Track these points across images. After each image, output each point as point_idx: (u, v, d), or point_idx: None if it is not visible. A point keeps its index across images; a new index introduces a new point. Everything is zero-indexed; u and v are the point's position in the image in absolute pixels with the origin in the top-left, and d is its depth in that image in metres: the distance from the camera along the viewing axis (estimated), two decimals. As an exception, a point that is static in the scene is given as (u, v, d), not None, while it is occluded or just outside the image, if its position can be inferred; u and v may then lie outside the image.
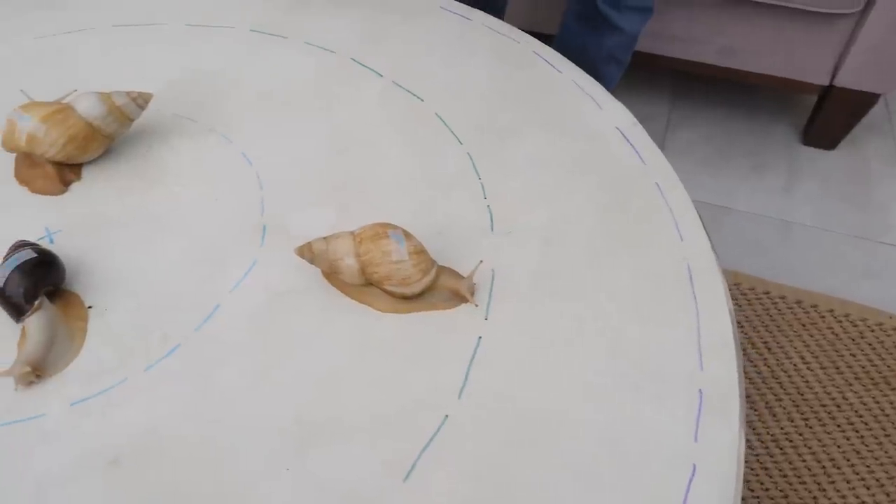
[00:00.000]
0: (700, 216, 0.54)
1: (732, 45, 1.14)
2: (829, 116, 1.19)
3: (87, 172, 0.58)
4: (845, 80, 1.12)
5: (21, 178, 0.57)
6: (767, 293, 0.96)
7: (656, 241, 0.52)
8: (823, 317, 0.93)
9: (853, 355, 0.88)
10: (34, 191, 0.57)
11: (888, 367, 0.86)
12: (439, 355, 0.44)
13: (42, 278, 0.46)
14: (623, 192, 0.56)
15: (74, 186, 0.57)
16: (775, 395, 0.84)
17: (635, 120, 0.64)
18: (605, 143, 0.61)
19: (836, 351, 0.88)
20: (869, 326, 0.91)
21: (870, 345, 0.89)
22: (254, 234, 0.52)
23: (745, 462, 0.79)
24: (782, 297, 0.95)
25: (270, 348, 0.44)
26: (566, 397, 0.42)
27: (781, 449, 0.79)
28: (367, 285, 0.46)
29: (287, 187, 0.56)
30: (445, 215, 0.53)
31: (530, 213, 0.54)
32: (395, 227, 0.46)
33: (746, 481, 0.76)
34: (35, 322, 0.44)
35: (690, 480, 0.39)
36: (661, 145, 1.27)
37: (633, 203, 0.55)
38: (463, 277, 0.47)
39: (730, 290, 0.95)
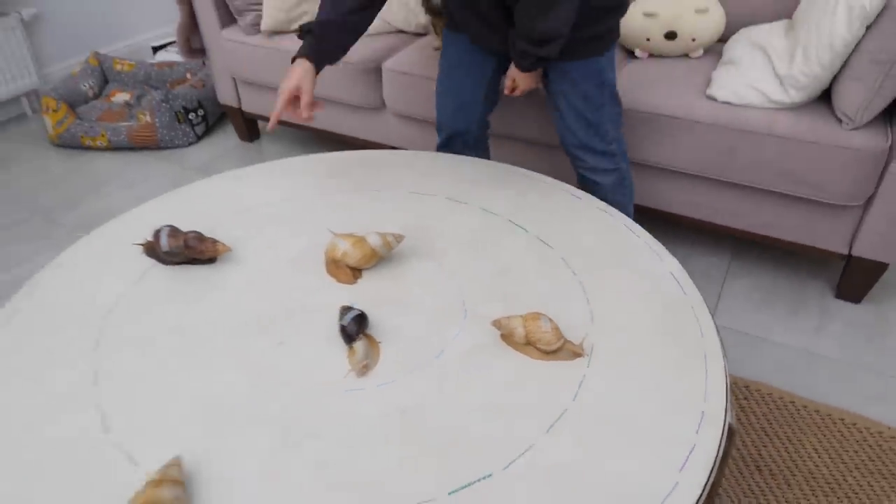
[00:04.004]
0: (718, 330, 0.93)
1: (772, 221, 1.54)
2: (852, 277, 1.54)
3: (366, 273, 1.05)
4: (860, 251, 1.48)
5: (331, 273, 1.05)
6: (792, 402, 1.28)
7: (686, 339, 0.91)
8: (835, 423, 1.23)
9: (856, 451, 1.18)
10: (339, 281, 1.04)
11: (882, 461, 1.16)
12: (562, 381, 0.84)
13: (361, 324, 0.91)
14: (669, 311, 0.96)
15: (360, 281, 1.03)
16: (790, 472, 1.15)
17: (682, 269, 1.05)
18: (662, 282, 1.02)
19: (842, 446, 1.19)
20: (871, 434, 1.21)
21: (870, 446, 1.19)
22: (460, 313, 0.96)
23: (764, 515, 1.09)
24: (804, 407, 1.27)
25: (470, 372, 0.86)
26: (624, 411, 0.81)
27: (793, 511, 1.09)
28: (526, 344, 0.88)
29: (473, 291, 1.00)
30: (569, 314, 0.95)
31: (613, 318, 0.95)
32: (543, 314, 0.89)
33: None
34: (360, 345, 0.88)
35: (691, 451, 0.76)
36: (721, 288, 1.64)
37: (675, 318, 0.95)
38: (577, 344, 0.88)
39: (762, 398, 1.28)
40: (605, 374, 0.85)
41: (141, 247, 1.11)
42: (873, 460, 1.17)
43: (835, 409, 1.27)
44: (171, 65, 2.64)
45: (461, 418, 0.80)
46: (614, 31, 1.34)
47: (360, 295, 1.00)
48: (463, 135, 1.54)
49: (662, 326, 0.94)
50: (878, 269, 1.50)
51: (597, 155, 1.43)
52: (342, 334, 0.91)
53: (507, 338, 0.90)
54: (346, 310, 0.93)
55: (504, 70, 1.46)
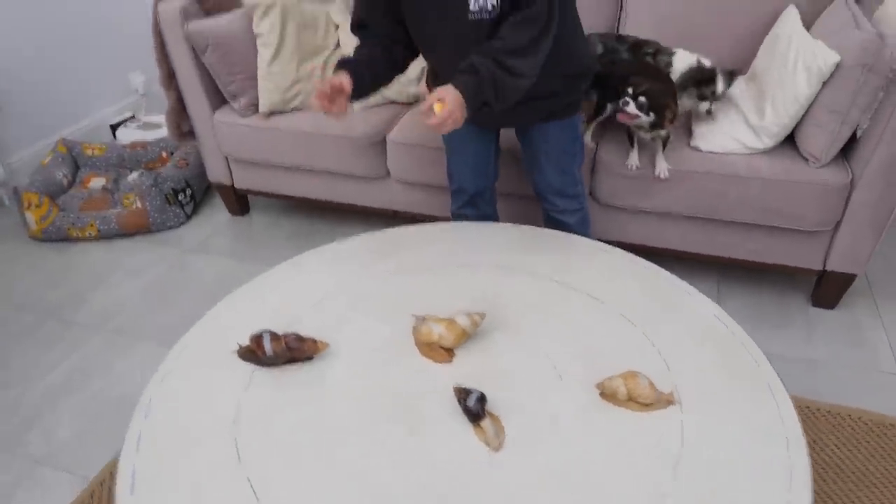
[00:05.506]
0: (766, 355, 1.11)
1: (757, 248, 1.77)
2: (826, 288, 1.80)
3: (458, 351, 1.16)
4: (832, 266, 1.73)
5: (426, 354, 1.16)
6: (807, 407, 1.49)
7: (747, 372, 1.09)
8: (845, 420, 1.45)
9: (867, 441, 1.40)
10: (434, 360, 1.15)
11: (892, 447, 1.40)
12: (667, 428, 0.99)
13: (482, 402, 1.02)
14: (724, 350, 1.13)
15: (454, 359, 1.15)
16: (823, 468, 1.36)
17: (722, 310, 1.23)
18: (709, 324, 1.19)
19: (857, 438, 1.41)
20: (877, 425, 1.44)
21: (878, 435, 1.42)
22: (554, 378, 1.09)
23: None
24: (818, 409, 1.49)
25: (587, 431, 1.00)
26: (725, 448, 0.97)
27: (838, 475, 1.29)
28: (628, 400, 1.03)
29: (556, 355, 1.14)
30: (647, 365, 1.10)
31: (684, 363, 1.11)
32: (640, 372, 1.04)
33: None
34: (487, 423, 1.00)
35: (791, 473, 0.92)
36: (715, 309, 1.86)
37: (731, 355, 1.12)
38: (668, 393, 1.03)
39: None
40: (697, 417, 1.01)
41: (236, 353, 1.18)
42: (883, 447, 1.39)
43: (842, 407, 1.50)
44: (143, 145, 2.65)
45: (597, 473, 0.93)
46: (583, 94, 1.59)
47: (460, 372, 1.12)
48: (483, 192, 1.71)
49: (725, 364, 1.11)
50: (848, 279, 1.76)
51: (567, 198, 1.65)
52: (467, 415, 1.02)
53: (609, 396, 1.04)
54: (464, 392, 1.04)
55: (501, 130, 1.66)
